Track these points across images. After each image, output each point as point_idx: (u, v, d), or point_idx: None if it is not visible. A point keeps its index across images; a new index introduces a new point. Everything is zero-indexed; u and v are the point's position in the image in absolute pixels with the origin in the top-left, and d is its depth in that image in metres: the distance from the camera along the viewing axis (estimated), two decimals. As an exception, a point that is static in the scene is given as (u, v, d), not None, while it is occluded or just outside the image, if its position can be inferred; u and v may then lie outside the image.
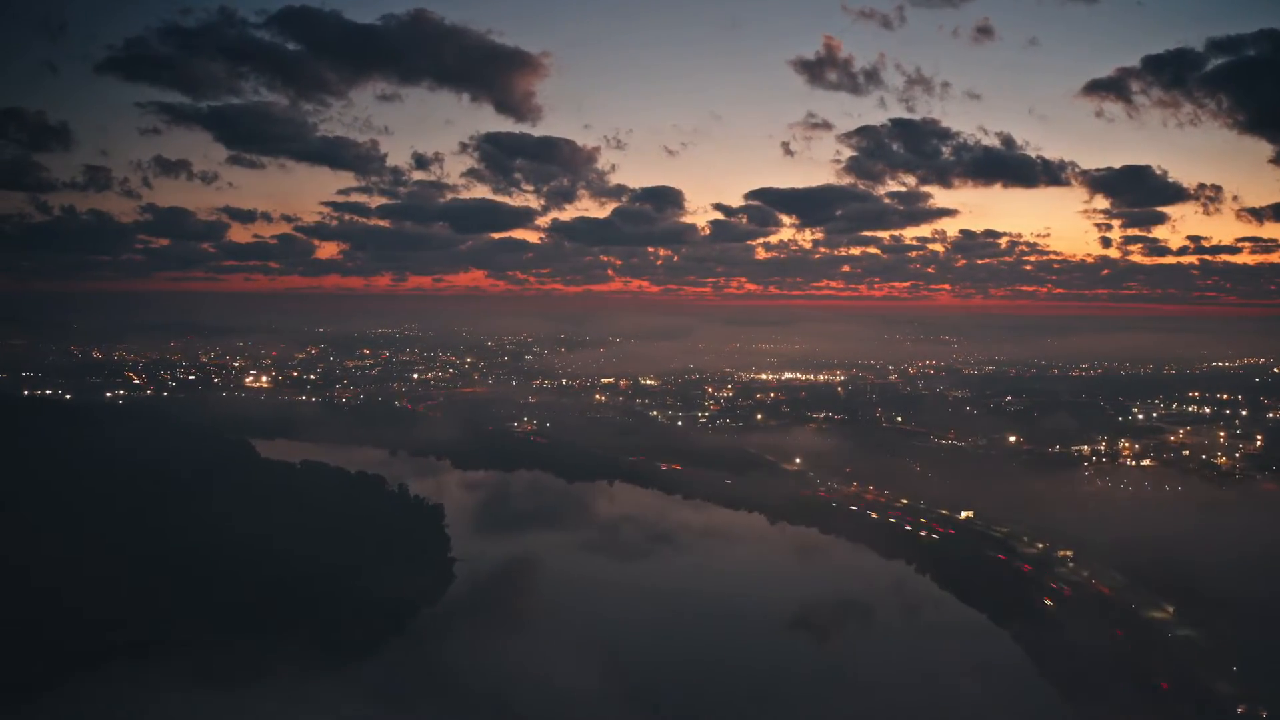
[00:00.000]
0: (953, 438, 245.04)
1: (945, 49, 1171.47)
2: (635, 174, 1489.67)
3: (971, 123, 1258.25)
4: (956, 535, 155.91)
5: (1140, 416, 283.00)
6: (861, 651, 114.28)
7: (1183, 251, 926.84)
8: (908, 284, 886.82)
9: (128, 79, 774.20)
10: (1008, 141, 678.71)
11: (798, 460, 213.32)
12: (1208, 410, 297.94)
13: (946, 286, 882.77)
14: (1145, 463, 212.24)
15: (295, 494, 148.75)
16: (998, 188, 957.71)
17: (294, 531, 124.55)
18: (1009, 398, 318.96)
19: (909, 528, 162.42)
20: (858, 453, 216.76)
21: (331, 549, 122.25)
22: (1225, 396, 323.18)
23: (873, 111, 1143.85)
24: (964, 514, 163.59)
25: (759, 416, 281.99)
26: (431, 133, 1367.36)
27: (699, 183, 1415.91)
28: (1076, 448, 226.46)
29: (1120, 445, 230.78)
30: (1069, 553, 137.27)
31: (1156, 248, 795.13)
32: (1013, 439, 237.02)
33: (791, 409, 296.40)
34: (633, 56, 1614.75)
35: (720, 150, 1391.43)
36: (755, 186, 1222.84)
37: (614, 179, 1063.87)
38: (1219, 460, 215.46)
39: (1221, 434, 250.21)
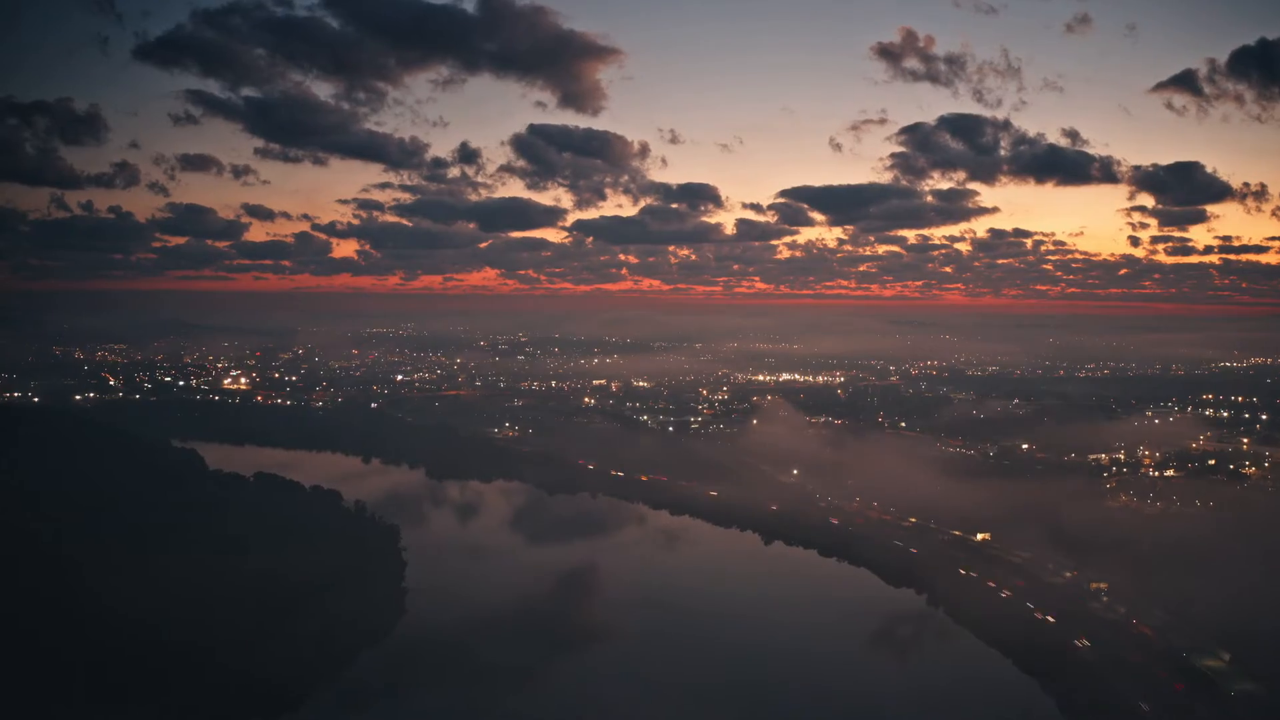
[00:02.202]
0: (960, 444, 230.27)
1: (1037, 38, 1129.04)
2: (684, 169, 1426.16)
3: (1042, 116, 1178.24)
4: (972, 561, 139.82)
5: (1156, 421, 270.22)
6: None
7: (1208, 251, 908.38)
8: (920, 283, 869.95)
9: (165, 66, 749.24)
10: (1072, 135, 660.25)
11: (795, 471, 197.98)
12: (1225, 414, 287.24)
13: (960, 286, 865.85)
14: (1169, 473, 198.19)
15: (237, 515, 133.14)
16: (1049, 185, 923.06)
17: (221, 563, 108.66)
18: (1016, 400, 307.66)
19: (916, 551, 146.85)
20: (860, 462, 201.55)
21: (263, 583, 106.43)
22: (1240, 399, 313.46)
23: (945, 103, 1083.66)
24: (980, 536, 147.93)
25: (755, 421, 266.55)
26: (487, 124, 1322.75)
27: (746, 179, 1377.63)
28: (1094, 456, 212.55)
29: (1140, 453, 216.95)
30: (1103, 585, 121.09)
31: (1183, 247, 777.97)
32: (1025, 446, 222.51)
33: (789, 413, 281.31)
34: (708, 46, 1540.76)
35: (778, 146, 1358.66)
36: (804, 183, 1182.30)
37: (659, 175, 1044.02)
38: (1247, 470, 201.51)
39: (1245, 441, 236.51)
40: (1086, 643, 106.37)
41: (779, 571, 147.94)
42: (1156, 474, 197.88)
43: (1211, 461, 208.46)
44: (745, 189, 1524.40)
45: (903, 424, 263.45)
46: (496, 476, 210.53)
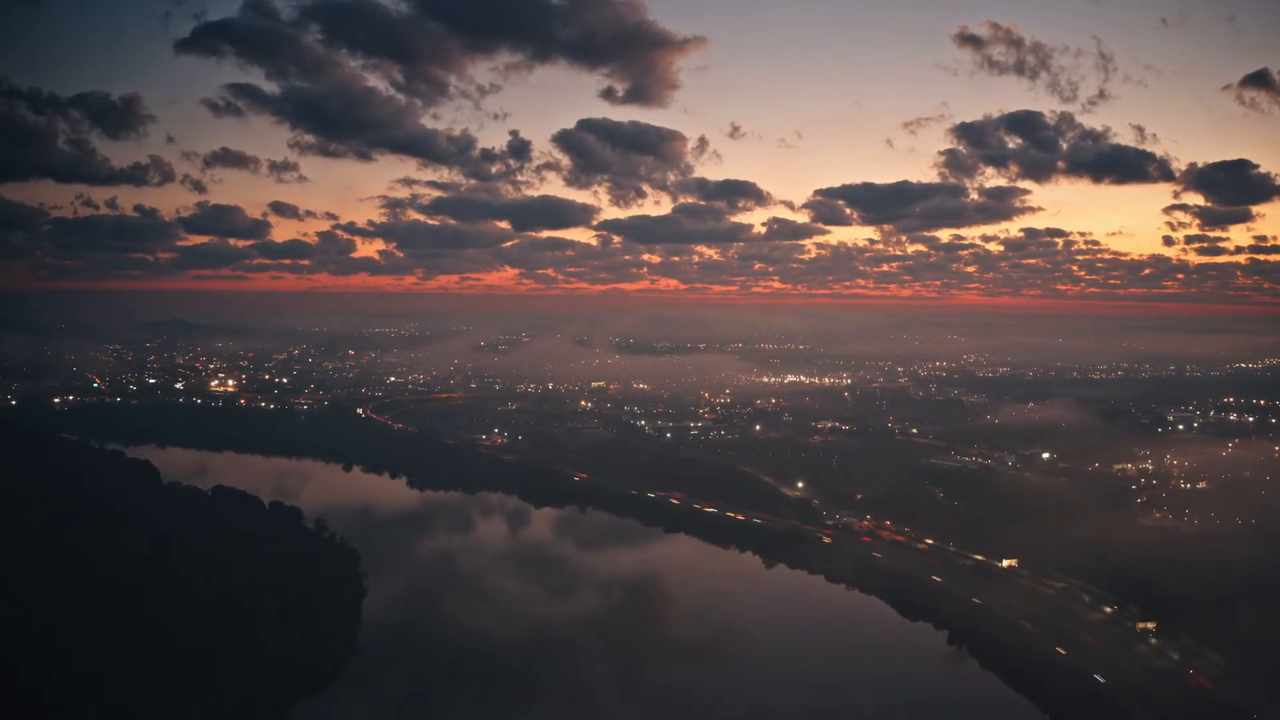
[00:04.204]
0: (976, 453, 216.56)
1: (1133, 30, 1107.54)
2: (737, 166, 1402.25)
3: (1119, 111, 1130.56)
4: (997, 590, 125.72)
5: (1180, 427, 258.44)
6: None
7: (1238, 251, 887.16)
8: (939, 283, 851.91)
9: (208, 55, 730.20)
10: (1139, 130, 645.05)
11: (800, 484, 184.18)
12: (1250, 419, 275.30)
13: (979, 286, 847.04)
14: (1201, 485, 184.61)
15: (180, 538, 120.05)
16: (1105, 183, 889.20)
17: (138, 596, 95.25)
18: (1030, 404, 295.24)
19: (936, 578, 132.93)
20: (870, 473, 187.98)
21: (191, 620, 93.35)
22: (1262, 402, 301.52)
23: (1018, 98, 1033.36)
24: (1006, 562, 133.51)
25: (757, 427, 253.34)
26: (545, 114, 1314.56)
27: (797, 176, 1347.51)
28: (1119, 466, 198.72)
29: (1168, 462, 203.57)
30: (1151, 625, 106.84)
31: (1213, 247, 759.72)
32: (1045, 455, 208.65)
33: (794, 418, 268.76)
34: (786, 35, 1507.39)
35: (838, 141, 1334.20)
36: (849, 181, 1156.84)
37: (713, 172, 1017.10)
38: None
39: (1276, 449, 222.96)
40: (1133, 698, 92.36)
41: (780, 599, 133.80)
42: (1188, 486, 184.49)
43: (1246, 473, 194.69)
44: (793, 186, 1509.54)
45: (914, 430, 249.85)
46: (480, 488, 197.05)
